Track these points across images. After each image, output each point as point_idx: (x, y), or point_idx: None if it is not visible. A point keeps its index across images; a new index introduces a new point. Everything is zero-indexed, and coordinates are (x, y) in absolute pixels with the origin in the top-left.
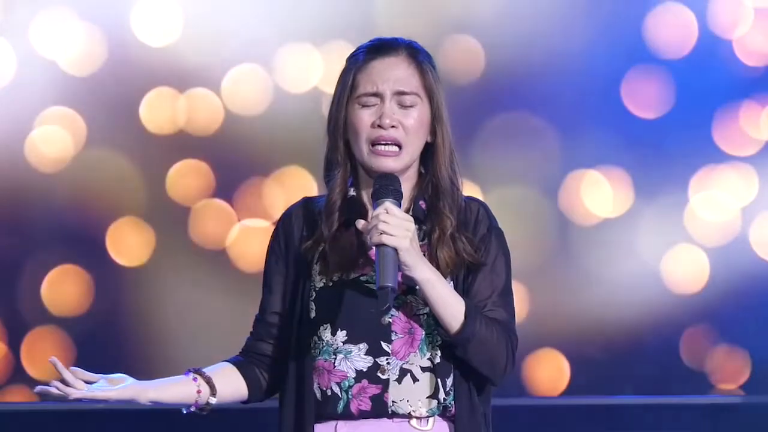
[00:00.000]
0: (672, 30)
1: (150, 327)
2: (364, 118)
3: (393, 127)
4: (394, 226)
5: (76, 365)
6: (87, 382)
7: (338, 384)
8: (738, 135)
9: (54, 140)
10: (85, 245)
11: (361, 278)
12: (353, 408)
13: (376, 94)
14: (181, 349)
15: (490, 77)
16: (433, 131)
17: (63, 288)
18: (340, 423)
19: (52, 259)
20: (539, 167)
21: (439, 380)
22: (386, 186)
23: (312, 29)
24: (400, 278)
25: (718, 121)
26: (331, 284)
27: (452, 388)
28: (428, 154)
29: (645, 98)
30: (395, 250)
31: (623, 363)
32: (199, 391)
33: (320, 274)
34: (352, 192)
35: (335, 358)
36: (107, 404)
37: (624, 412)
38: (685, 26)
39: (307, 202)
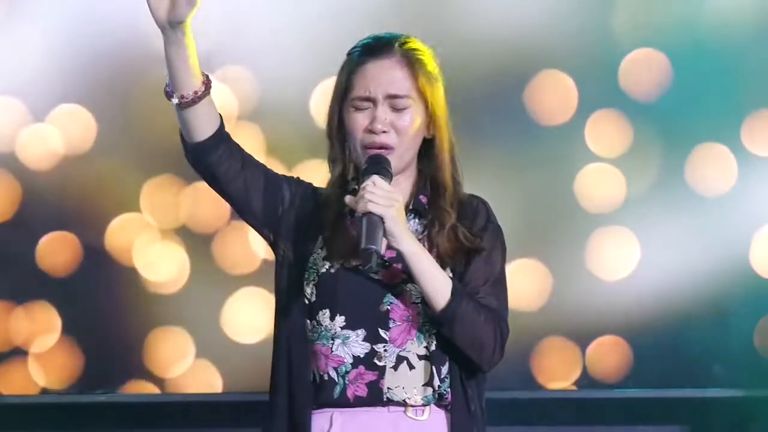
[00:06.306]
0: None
1: None
2: (358, 121)
3: (384, 132)
4: (380, 196)
5: None
6: None
7: (335, 369)
8: None
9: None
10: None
11: (373, 266)
12: (349, 394)
13: (368, 99)
14: None
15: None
16: (430, 129)
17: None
18: (336, 412)
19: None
20: (557, 162)
21: (434, 368)
22: (375, 164)
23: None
24: (384, 251)
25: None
26: (333, 270)
27: (447, 375)
28: (428, 151)
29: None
30: (381, 218)
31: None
32: (204, 85)
33: (324, 260)
34: (354, 186)
35: (333, 343)
36: (108, 397)
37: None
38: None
39: (315, 189)
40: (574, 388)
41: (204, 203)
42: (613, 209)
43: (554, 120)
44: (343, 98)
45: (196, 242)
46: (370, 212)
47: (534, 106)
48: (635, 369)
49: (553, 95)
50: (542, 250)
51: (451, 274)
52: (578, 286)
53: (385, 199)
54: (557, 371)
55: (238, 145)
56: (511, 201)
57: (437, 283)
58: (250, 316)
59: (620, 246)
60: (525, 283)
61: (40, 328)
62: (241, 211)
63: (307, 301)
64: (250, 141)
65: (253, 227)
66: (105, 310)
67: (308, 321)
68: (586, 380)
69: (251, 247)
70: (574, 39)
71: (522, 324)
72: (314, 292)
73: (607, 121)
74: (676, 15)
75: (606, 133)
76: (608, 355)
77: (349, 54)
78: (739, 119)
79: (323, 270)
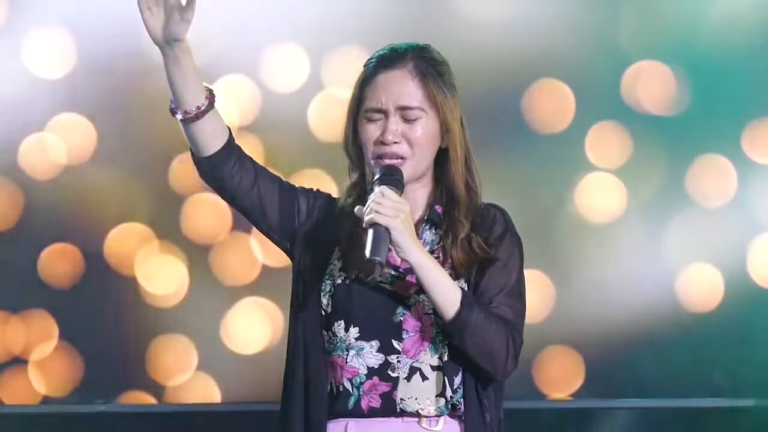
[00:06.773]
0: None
1: None
2: (370, 132)
3: (396, 143)
4: (386, 207)
5: None
6: None
7: (350, 380)
8: None
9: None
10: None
11: (377, 277)
12: (363, 405)
13: (380, 110)
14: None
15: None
16: (445, 139)
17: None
18: (351, 422)
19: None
20: (558, 172)
21: (446, 378)
22: (386, 175)
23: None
24: (400, 263)
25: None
26: (348, 282)
27: (460, 386)
28: (443, 161)
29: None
30: (387, 229)
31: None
32: (207, 100)
33: (340, 271)
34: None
35: (347, 354)
36: (107, 407)
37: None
38: None
39: (334, 200)
40: (576, 398)
41: (205, 213)
42: (614, 219)
43: (552, 129)
44: (356, 110)
45: (197, 252)
46: (377, 223)
47: (532, 115)
48: (638, 379)
49: (551, 104)
50: (543, 260)
51: (465, 285)
52: (580, 296)
53: (392, 210)
54: (560, 381)
55: (251, 157)
56: (512, 211)
57: (447, 293)
58: (250, 327)
59: (622, 256)
60: (526, 294)
61: (41, 337)
62: (257, 223)
63: (323, 312)
64: (249, 151)
65: (270, 239)
66: (105, 320)
67: (324, 332)
68: (588, 390)
69: (251, 258)
70: (576, 49)
71: (524, 334)
72: (330, 303)
73: (609, 131)
74: (679, 26)
75: (607, 143)
76: (611, 364)
77: (365, 65)
78: (740, 129)
79: (339, 281)
